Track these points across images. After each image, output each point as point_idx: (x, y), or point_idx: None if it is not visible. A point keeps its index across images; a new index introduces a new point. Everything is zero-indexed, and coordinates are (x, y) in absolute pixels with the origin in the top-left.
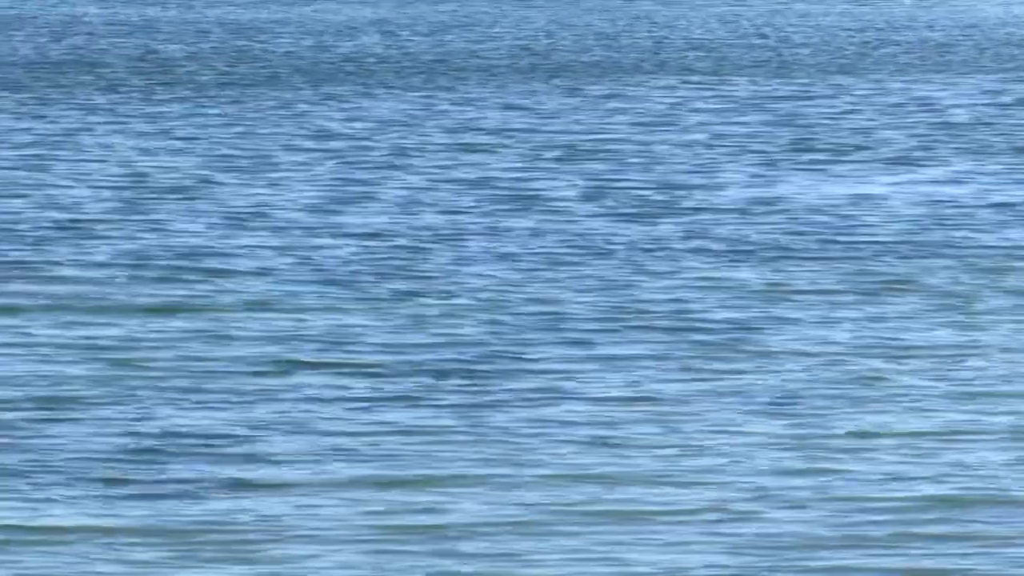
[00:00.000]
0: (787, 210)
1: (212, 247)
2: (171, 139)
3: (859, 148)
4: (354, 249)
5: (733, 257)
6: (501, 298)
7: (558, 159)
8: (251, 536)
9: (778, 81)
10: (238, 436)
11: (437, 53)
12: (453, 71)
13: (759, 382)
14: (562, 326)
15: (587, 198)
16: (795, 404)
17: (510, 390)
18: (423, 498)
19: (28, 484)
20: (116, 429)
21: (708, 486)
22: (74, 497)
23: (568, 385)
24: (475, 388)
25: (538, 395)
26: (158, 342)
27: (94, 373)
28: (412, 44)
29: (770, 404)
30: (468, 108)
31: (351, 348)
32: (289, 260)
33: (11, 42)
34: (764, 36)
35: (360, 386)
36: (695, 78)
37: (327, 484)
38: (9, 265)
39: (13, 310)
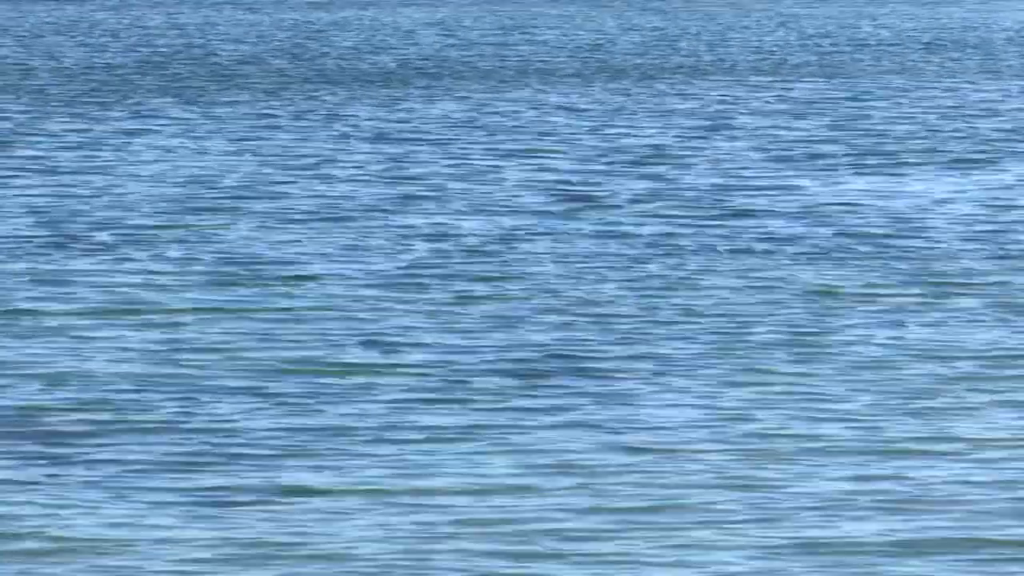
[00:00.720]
0: (847, 213)
1: (271, 249)
2: (230, 141)
3: (920, 151)
4: (412, 251)
5: (793, 259)
6: (559, 300)
7: (616, 161)
8: (310, 541)
9: (838, 83)
10: (297, 440)
11: (497, 55)
12: (513, 73)
13: (819, 386)
14: (620, 328)
15: (646, 200)
16: (856, 408)
17: (569, 392)
18: (494, 502)
19: (84, 489)
20: (171, 434)
21: (768, 490)
22: (129, 503)
23: (625, 388)
24: (533, 391)
25: (595, 398)
26: (218, 344)
27: (153, 375)
28: (471, 46)
29: (830, 408)
30: (528, 110)
31: (409, 350)
32: (349, 262)
33: (71, 47)
34: (826, 36)
35: (419, 389)
36: (755, 80)
37: (382, 490)
38: (67, 271)
39: (70, 314)
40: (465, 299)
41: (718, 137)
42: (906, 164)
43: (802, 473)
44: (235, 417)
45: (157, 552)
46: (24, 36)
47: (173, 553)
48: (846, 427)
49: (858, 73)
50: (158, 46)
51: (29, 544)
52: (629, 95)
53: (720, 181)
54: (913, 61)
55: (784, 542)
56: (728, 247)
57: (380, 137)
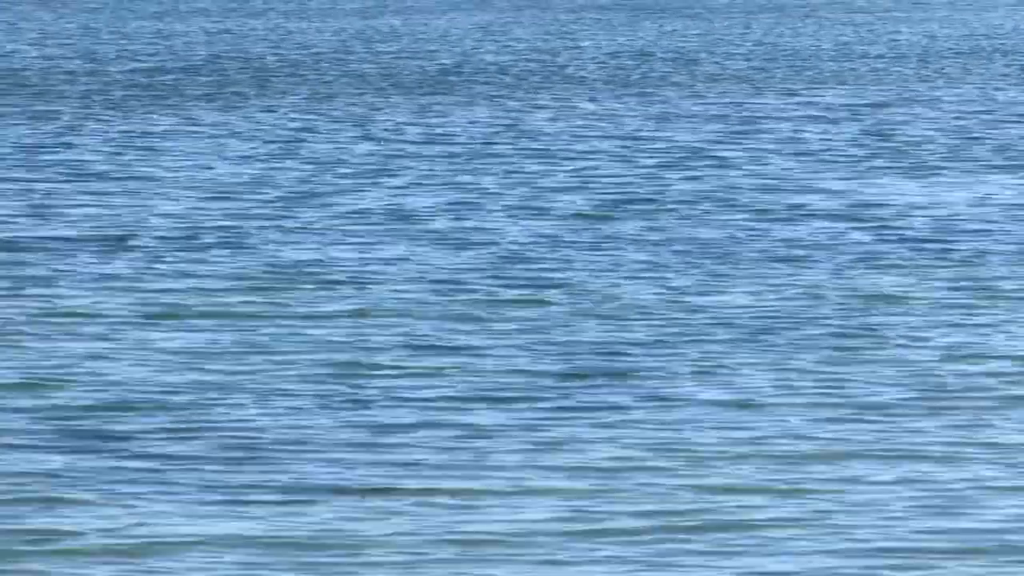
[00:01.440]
0: (888, 216)
1: (317, 253)
2: (276, 146)
3: (956, 155)
4: (456, 254)
5: (835, 263)
6: (602, 303)
7: (660, 165)
8: (358, 542)
9: (875, 89)
10: (343, 438)
11: (540, 61)
12: (557, 79)
13: (858, 387)
14: (662, 330)
15: (688, 203)
16: (898, 411)
17: (613, 394)
18: (547, 502)
19: (136, 490)
20: (220, 432)
21: (813, 495)
22: (178, 504)
23: (668, 391)
24: (576, 393)
25: (638, 400)
26: (264, 346)
27: (201, 379)
28: (514, 53)
29: (866, 411)
30: (570, 115)
31: (452, 352)
32: (394, 265)
33: (118, 52)
34: (871, 44)
35: (463, 390)
36: (794, 86)
37: (434, 491)
38: (114, 274)
39: (118, 316)
40: (509, 302)
41: (755, 141)
42: (944, 169)
43: (844, 477)
44: (282, 417)
45: (203, 549)
46: (70, 42)
47: (218, 550)
48: (885, 429)
49: (895, 80)
50: (206, 53)
51: (80, 543)
52: (668, 101)
53: (759, 184)
54: (950, 67)
55: (826, 547)
56: (769, 250)
57: (426, 142)
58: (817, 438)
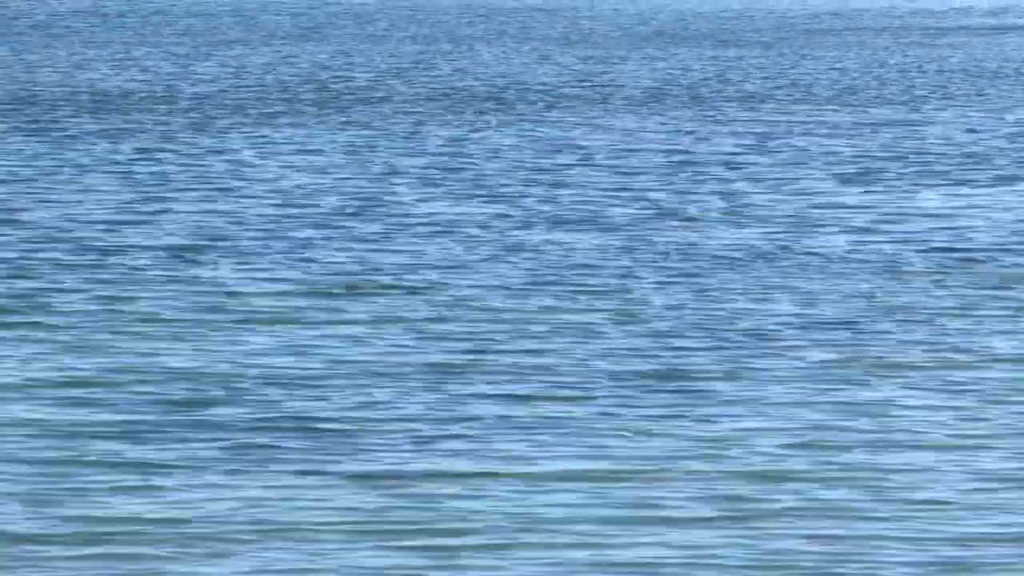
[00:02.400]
0: (923, 227)
1: (385, 259)
2: (347, 159)
3: (974, 168)
4: (508, 261)
5: (873, 273)
6: (644, 309)
7: (697, 178)
8: (442, 525)
9: (901, 106)
10: (408, 431)
11: (585, 82)
12: (599, 98)
13: (896, 394)
14: (702, 337)
15: (720, 213)
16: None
17: (658, 398)
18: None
19: (229, 480)
20: (302, 425)
21: (846, 485)
22: (270, 490)
23: (705, 390)
24: (622, 397)
25: (683, 405)
26: (334, 347)
27: (281, 374)
28: (561, 74)
29: (908, 414)
30: (612, 131)
31: (504, 355)
32: (454, 272)
33: (210, 72)
34: (903, 70)
35: (516, 391)
36: (821, 103)
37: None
38: (196, 278)
39: (198, 317)
40: (574, 309)
41: (785, 155)
42: (972, 182)
43: (894, 483)
44: (356, 412)
45: (298, 534)
46: (155, 67)
47: (314, 534)
48: (923, 432)
49: (924, 99)
50: (275, 75)
51: (174, 529)
52: (704, 118)
53: (793, 197)
54: (974, 88)
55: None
56: (806, 261)
57: (482, 156)
58: (861, 445)
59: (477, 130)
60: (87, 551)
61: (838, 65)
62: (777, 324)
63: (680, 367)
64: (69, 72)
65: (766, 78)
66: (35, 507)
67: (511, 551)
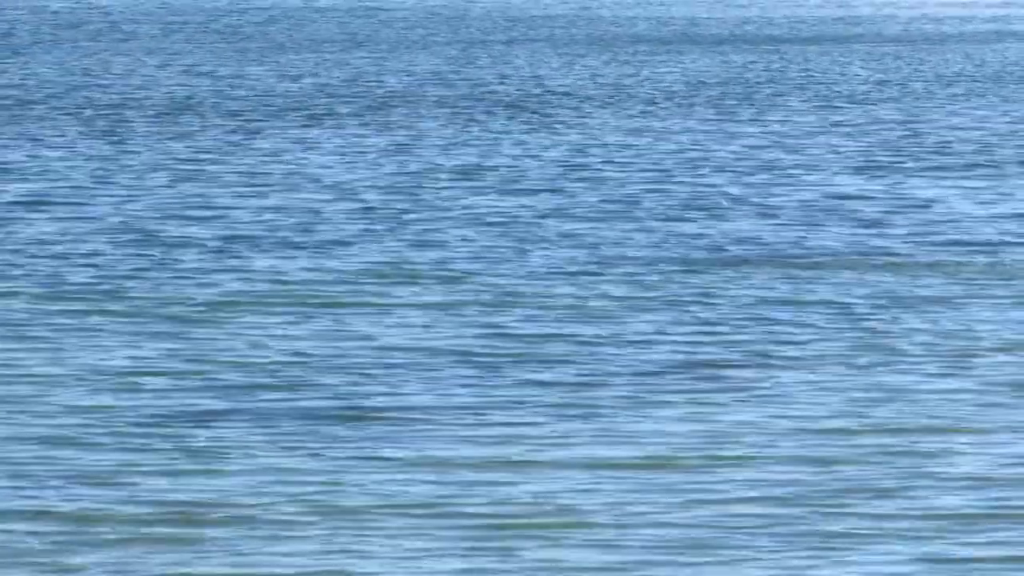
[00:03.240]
0: (921, 218)
1: (431, 251)
2: (395, 156)
3: (984, 161)
4: (553, 254)
5: (906, 266)
6: (679, 303)
7: (720, 174)
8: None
9: (912, 103)
10: (461, 418)
11: (610, 86)
12: (635, 101)
13: (935, 386)
14: (735, 329)
15: (744, 206)
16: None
17: (692, 392)
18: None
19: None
20: (362, 412)
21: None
22: (336, 474)
23: (734, 377)
24: (659, 391)
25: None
26: (385, 335)
27: (336, 363)
28: (588, 79)
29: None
30: (648, 131)
31: (544, 344)
32: (500, 264)
33: (264, 78)
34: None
35: (554, 383)
36: (835, 103)
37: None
38: (253, 269)
39: (254, 306)
40: (592, 296)
41: (807, 153)
42: (969, 173)
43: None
44: (407, 398)
45: (363, 516)
46: (221, 75)
47: (379, 517)
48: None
49: (927, 98)
50: (336, 77)
51: (239, 512)
52: (723, 118)
53: (822, 191)
54: (976, 88)
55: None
56: (839, 254)
57: (517, 154)
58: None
59: (510, 130)
60: (148, 531)
61: (858, 70)
62: (800, 314)
63: (713, 356)
64: (128, 76)
65: (784, 80)
66: (97, 489)
67: (559, 535)
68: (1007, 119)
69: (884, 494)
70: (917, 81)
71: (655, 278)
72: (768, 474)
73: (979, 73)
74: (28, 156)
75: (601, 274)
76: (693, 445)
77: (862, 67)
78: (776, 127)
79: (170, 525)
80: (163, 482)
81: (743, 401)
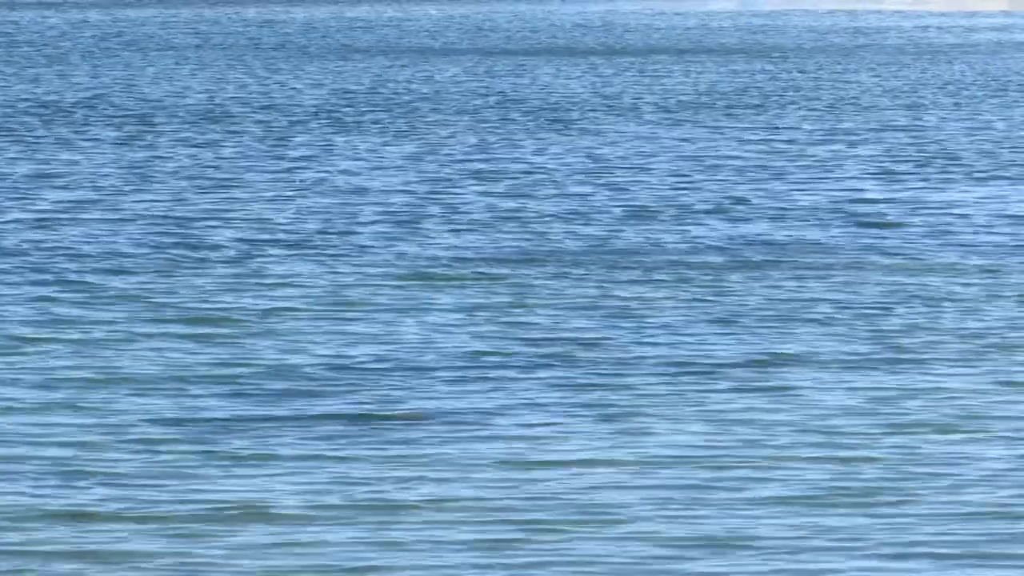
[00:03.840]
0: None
1: (473, 251)
2: (438, 161)
3: (991, 166)
4: (591, 252)
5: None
6: (719, 302)
7: (741, 178)
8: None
9: (920, 111)
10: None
11: (628, 94)
12: (681, 106)
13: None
14: (771, 329)
15: (764, 209)
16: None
17: (728, 380)
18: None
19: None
20: (408, 411)
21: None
22: (391, 470)
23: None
24: (695, 388)
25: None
26: (425, 333)
27: (379, 364)
28: (601, 89)
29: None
30: (692, 135)
31: (596, 343)
32: (545, 266)
33: (301, 85)
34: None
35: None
36: (851, 109)
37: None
38: (293, 273)
39: (293, 311)
40: (618, 296)
41: (825, 156)
42: (982, 177)
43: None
44: (430, 399)
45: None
46: (257, 78)
47: (440, 513)
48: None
49: (937, 106)
50: (379, 89)
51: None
52: (742, 124)
53: (835, 195)
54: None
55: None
56: (853, 256)
57: (542, 158)
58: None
59: (530, 136)
60: (185, 531)
61: (873, 80)
62: (817, 314)
63: (733, 356)
64: (166, 85)
65: (798, 88)
66: (142, 490)
67: (582, 533)
68: (1010, 124)
69: (906, 493)
70: (926, 89)
71: (675, 279)
72: (789, 473)
73: (982, 81)
74: (66, 162)
75: (621, 275)
76: (714, 444)
77: (871, 76)
78: (790, 133)
79: (207, 524)
80: (197, 484)
81: (762, 400)
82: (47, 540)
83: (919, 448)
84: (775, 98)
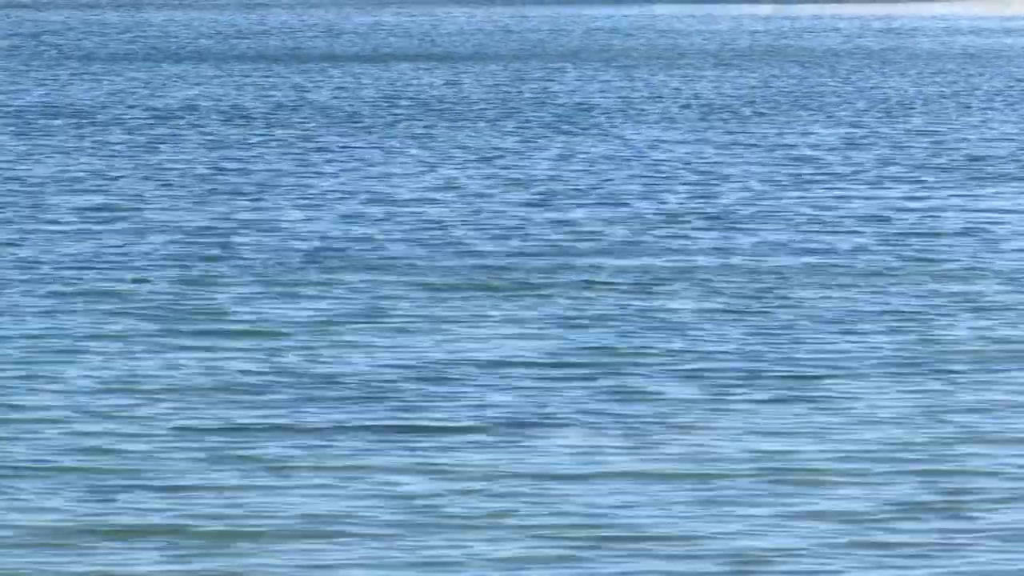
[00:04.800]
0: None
1: (507, 260)
2: (461, 166)
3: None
4: (630, 260)
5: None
6: (749, 309)
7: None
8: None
9: (952, 115)
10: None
11: (653, 100)
12: (666, 114)
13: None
14: (808, 335)
15: (806, 218)
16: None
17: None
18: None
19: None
20: (464, 419)
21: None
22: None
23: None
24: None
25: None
26: (468, 343)
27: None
28: (628, 95)
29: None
30: (720, 139)
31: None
32: (578, 275)
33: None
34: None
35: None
36: (869, 113)
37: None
38: (324, 283)
39: (325, 322)
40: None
41: (871, 159)
42: (996, 182)
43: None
44: (468, 410)
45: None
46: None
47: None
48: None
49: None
50: (415, 96)
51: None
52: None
53: (872, 202)
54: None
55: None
56: (890, 264)
57: (587, 163)
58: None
59: (562, 141)
60: (221, 542)
61: (898, 87)
62: (856, 324)
63: (776, 368)
64: (193, 89)
65: (830, 93)
66: (182, 503)
67: (626, 548)
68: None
69: (953, 507)
70: (966, 94)
71: (709, 288)
72: (838, 488)
73: (1016, 87)
74: (93, 168)
75: (657, 283)
76: (759, 457)
77: (907, 80)
78: (825, 139)
79: (241, 538)
80: (231, 496)
81: (804, 411)
82: (83, 559)
83: (965, 461)
84: (808, 103)
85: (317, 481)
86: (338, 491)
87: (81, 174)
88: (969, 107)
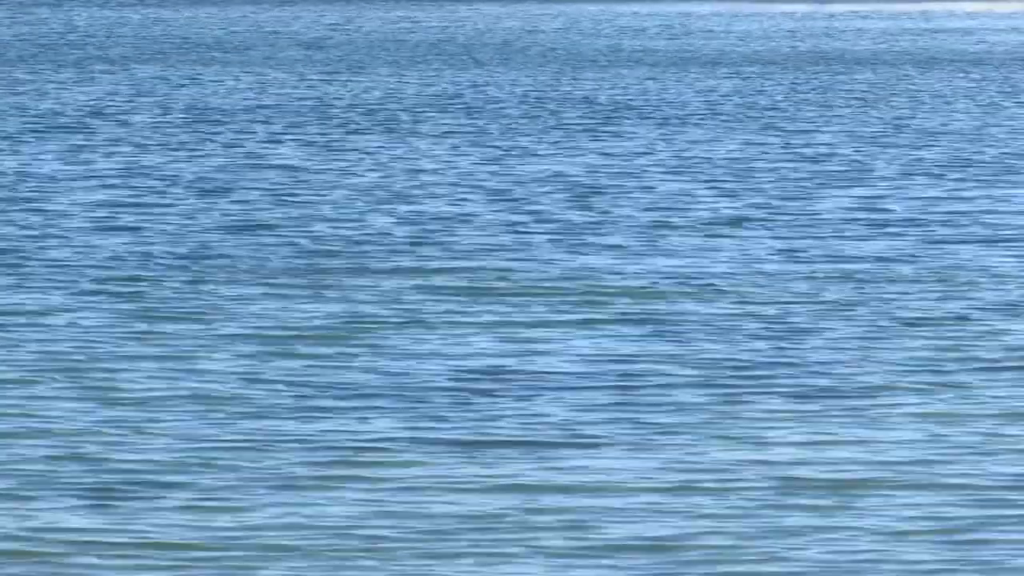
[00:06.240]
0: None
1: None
2: (490, 165)
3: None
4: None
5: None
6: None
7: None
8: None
9: (962, 111)
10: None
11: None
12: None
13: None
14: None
15: (839, 220)
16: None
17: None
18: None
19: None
20: (502, 423)
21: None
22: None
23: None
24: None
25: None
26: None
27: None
28: (662, 94)
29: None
30: (743, 139)
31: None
32: (628, 279)
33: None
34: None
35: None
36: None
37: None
38: (349, 286)
39: (349, 325)
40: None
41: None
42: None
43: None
44: (523, 419)
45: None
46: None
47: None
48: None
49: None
50: (434, 91)
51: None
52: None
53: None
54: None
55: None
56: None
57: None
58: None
59: (604, 143)
60: (263, 549)
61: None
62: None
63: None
64: (224, 89)
65: (862, 94)
66: (186, 514)
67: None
68: None
69: (979, 522)
70: (997, 95)
71: (740, 296)
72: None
73: None
74: (124, 167)
75: (709, 289)
76: (817, 469)
77: (940, 82)
78: (856, 142)
79: (278, 545)
80: (272, 501)
81: (856, 424)
82: (111, 566)
83: (999, 470)
84: (841, 104)
85: (331, 495)
86: (354, 504)
87: (89, 173)
88: (1004, 109)
